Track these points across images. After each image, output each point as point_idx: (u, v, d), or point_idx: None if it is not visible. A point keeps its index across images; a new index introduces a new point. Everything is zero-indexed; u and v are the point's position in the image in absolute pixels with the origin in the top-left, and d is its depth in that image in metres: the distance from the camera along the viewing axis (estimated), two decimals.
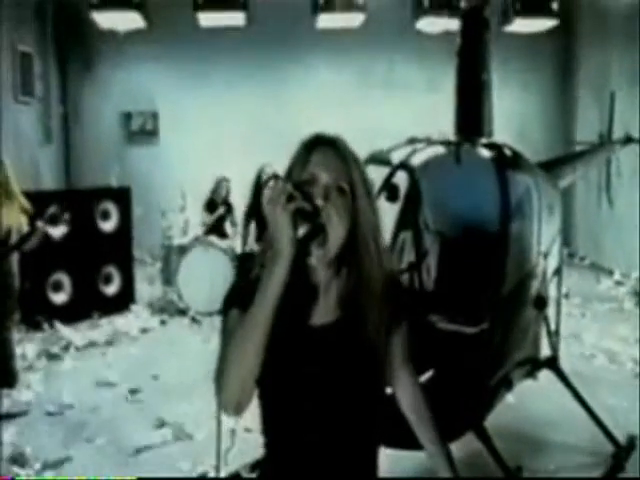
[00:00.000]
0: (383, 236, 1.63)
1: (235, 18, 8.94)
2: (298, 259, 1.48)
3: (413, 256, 3.91)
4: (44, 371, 5.98)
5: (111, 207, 7.79)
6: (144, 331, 7.25)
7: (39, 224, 5.07)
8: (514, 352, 3.77)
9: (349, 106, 10.14)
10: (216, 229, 8.37)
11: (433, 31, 9.26)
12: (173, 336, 7.14)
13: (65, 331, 6.95)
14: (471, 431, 3.49)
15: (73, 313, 7.32)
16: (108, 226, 7.77)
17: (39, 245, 5.14)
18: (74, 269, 7.37)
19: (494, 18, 8.18)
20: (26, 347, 6.42)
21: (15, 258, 5.37)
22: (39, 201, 7.21)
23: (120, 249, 7.86)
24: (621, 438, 4.34)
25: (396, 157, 3.82)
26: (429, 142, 3.85)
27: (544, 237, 4.01)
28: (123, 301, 7.83)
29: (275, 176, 1.51)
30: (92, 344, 6.74)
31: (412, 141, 3.89)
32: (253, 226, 1.61)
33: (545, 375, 4.50)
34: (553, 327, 4.42)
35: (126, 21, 8.96)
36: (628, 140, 6.55)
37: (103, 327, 7.28)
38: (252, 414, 1.61)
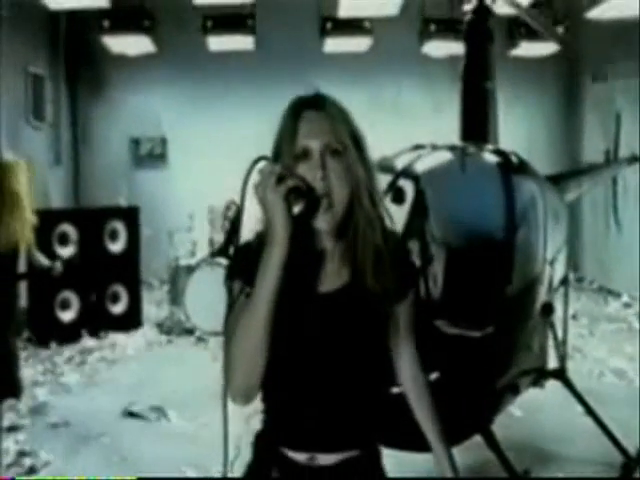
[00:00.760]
0: (380, 195, 1.61)
1: (244, 42, 9.09)
2: (304, 228, 1.50)
3: (419, 262, 3.90)
4: (49, 385, 5.98)
5: (120, 226, 7.83)
6: (150, 349, 7.25)
7: (57, 265, 5.07)
8: (520, 356, 3.75)
9: None
10: (223, 251, 8.37)
11: (439, 55, 9.39)
12: (180, 354, 7.13)
13: (71, 348, 6.96)
14: (478, 434, 3.47)
15: (80, 331, 7.32)
16: (116, 246, 7.80)
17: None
18: (82, 288, 7.39)
19: (500, 42, 8.35)
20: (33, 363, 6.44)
21: (20, 268, 5.42)
22: (48, 220, 7.34)
23: (128, 269, 7.88)
24: (631, 450, 4.29)
25: (400, 163, 3.83)
26: (434, 147, 3.86)
27: (550, 244, 4.01)
28: (130, 320, 7.83)
29: (261, 158, 1.49)
30: (99, 360, 6.74)
31: (418, 147, 3.91)
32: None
33: (552, 389, 4.49)
34: (560, 338, 4.42)
35: (136, 45, 9.13)
36: (634, 159, 6.59)
37: (110, 345, 7.28)
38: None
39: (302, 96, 1.59)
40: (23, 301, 6.84)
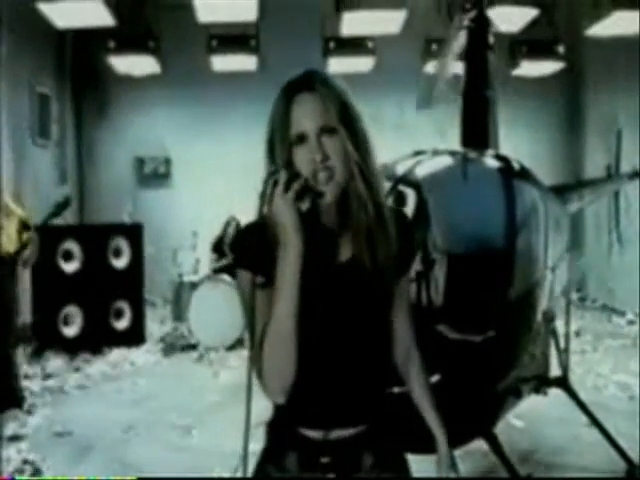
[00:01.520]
0: (376, 168, 1.60)
1: (247, 62, 9.18)
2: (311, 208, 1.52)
3: (421, 267, 3.92)
4: (53, 397, 5.99)
5: (123, 243, 7.86)
6: (154, 364, 7.25)
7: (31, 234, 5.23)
8: (521, 360, 3.75)
9: None
10: (227, 268, 8.40)
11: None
12: (182, 370, 7.13)
13: (75, 362, 6.97)
14: (481, 437, 3.47)
15: (84, 346, 7.34)
16: (120, 262, 7.83)
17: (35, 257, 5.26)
18: (86, 303, 7.41)
19: (502, 62, 8.44)
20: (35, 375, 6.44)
21: (24, 283, 5.51)
22: (52, 236, 7.42)
23: (132, 285, 7.90)
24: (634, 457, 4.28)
25: (402, 169, 3.86)
26: (435, 153, 3.90)
27: (551, 250, 4.02)
28: (133, 336, 7.83)
29: (274, 172, 1.50)
30: (101, 375, 6.75)
31: (418, 154, 3.94)
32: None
33: (553, 400, 4.48)
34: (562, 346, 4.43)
35: (142, 66, 9.23)
36: (635, 175, 6.62)
37: (112, 360, 7.29)
38: None
39: (293, 79, 1.58)
40: (27, 316, 6.90)
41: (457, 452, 2.97)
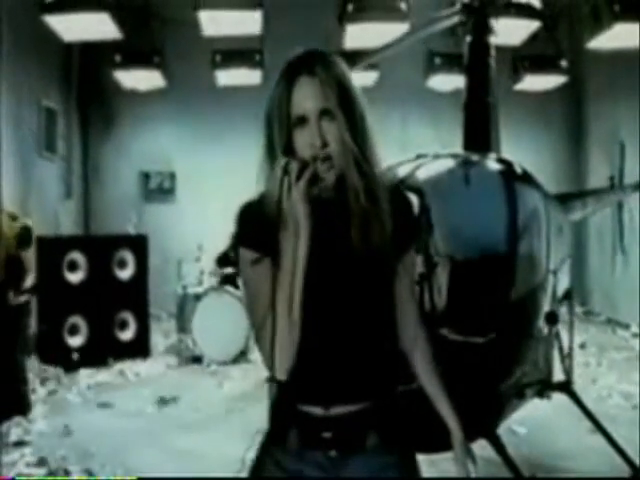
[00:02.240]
0: (374, 153, 1.62)
1: (252, 77, 9.24)
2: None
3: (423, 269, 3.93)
4: (57, 405, 6.01)
5: (128, 255, 7.89)
6: (158, 375, 7.26)
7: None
8: (523, 362, 3.77)
9: None
10: (232, 280, 8.42)
11: (444, 89, 9.51)
12: (187, 380, 7.14)
13: (80, 372, 7.00)
14: (484, 438, 3.47)
15: (89, 356, 7.36)
16: (125, 273, 7.86)
17: None
18: (91, 314, 7.44)
19: (504, 76, 8.49)
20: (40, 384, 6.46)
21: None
22: (58, 247, 7.47)
23: (136, 296, 7.92)
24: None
25: (403, 173, 3.88)
26: (436, 156, 3.93)
27: (553, 253, 4.05)
28: (138, 347, 7.84)
29: (289, 161, 1.53)
30: (105, 384, 6.79)
31: (420, 157, 3.97)
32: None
33: (555, 407, 4.48)
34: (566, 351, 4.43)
35: (147, 80, 9.32)
36: (638, 186, 6.66)
37: (117, 370, 7.33)
38: None
39: (293, 61, 1.60)
40: (32, 325, 6.91)
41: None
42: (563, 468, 4.50)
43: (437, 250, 4.23)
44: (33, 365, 6.91)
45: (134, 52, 8.87)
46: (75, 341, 7.37)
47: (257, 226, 1.58)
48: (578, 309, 10.13)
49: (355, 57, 8.88)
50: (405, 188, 3.93)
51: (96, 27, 6.97)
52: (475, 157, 4.07)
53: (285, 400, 1.69)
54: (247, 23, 7.38)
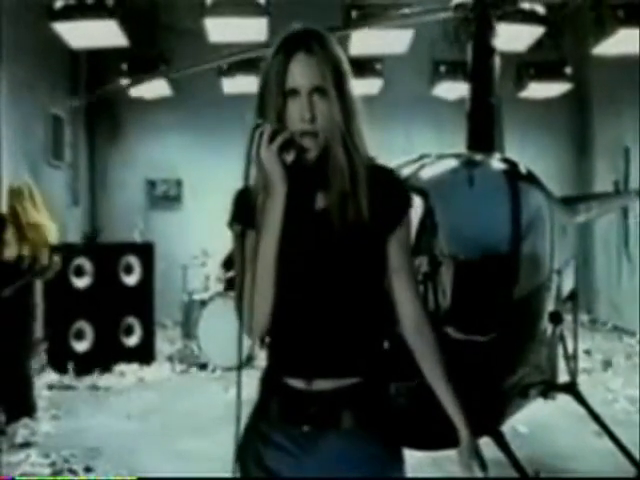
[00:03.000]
0: (359, 131, 1.66)
1: (257, 85, 9.27)
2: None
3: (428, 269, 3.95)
4: (63, 408, 6.02)
5: (134, 261, 7.93)
6: (163, 380, 7.28)
7: (55, 259, 5.28)
8: (527, 360, 3.77)
9: None
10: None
11: (449, 97, 9.52)
12: (192, 385, 7.15)
13: (85, 377, 7.03)
14: (488, 436, 3.47)
15: (94, 361, 7.38)
16: (131, 279, 7.89)
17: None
18: (96, 319, 7.46)
19: (509, 84, 8.50)
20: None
21: (36, 298, 5.58)
22: (65, 252, 7.47)
23: (142, 302, 7.94)
24: None
25: (407, 173, 3.89)
26: (440, 156, 3.94)
27: (557, 254, 4.05)
28: (143, 352, 7.86)
29: (258, 125, 1.60)
30: (110, 388, 6.81)
31: (423, 157, 3.99)
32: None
33: (557, 407, 4.47)
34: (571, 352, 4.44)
35: (154, 89, 9.34)
36: None
37: (122, 375, 7.34)
38: None
39: (291, 36, 1.66)
40: (39, 330, 6.94)
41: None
42: (566, 469, 4.49)
43: (441, 250, 4.26)
44: (39, 368, 6.94)
45: (140, 61, 8.88)
46: (81, 346, 7.40)
47: (245, 203, 1.67)
48: (584, 317, 10.11)
49: (360, 63, 8.97)
50: (409, 188, 3.98)
51: (104, 34, 7.02)
52: (479, 157, 4.09)
53: (271, 373, 1.73)
54: (253, 30, 7.44)
